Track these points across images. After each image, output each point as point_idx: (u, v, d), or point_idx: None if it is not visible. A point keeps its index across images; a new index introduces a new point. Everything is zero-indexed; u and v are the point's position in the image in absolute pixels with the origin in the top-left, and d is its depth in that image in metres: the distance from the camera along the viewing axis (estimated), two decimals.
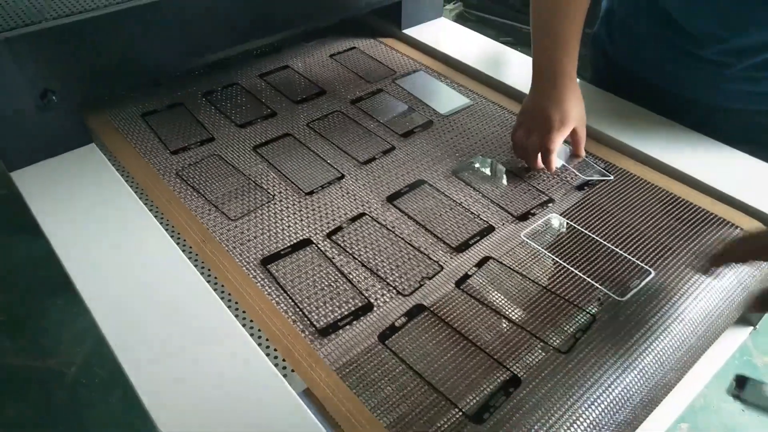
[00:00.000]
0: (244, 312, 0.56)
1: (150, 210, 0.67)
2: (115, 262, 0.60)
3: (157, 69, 0.83)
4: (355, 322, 0.55)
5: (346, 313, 0.56)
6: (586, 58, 0.94)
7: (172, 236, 0.64)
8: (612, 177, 0.73)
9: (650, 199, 0.70)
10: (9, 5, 0.75)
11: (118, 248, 0.62)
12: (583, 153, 0.75)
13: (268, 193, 0.71)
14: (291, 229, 0.66)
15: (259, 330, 0.55)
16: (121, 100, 0.87)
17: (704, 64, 0.75)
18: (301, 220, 0.67)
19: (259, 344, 0.53)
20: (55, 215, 0.67)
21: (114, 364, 0.51)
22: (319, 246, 0.64)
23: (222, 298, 0.57)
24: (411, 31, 1.06)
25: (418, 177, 0.74)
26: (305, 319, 0.56)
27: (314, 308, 0.57)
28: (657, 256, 0.62)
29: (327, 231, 0.66)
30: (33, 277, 1.67)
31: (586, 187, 0.72)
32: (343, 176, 0.74)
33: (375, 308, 0.57)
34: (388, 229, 0.66)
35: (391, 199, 0.70)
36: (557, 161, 0.72)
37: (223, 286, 0.59)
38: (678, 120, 0.80)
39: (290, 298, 0.58)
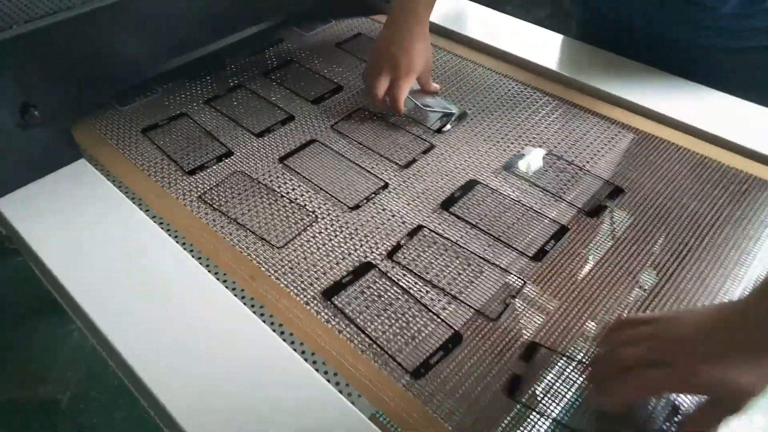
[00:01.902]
0: (313, 354, 0.50)
1: (176, 240, 0.59)
2: (146, 308, 0.53)
3: (144, 70, 0.75)
4: (448, 358, 0.50)
5: (435, 348, 0.50)
6: (567, 12, 0.92)
7: (211, 271, 0.56)
8: (456, 110, 0.76)
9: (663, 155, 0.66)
10: None
11: (150, 294, 0.54)
12: (431, 89, 0.78)
13: (310, 212, 0.64)
14: (345, 252, 0.59)
15: (336, 374, 0.48)
16: (115, 114, 0.77)
17: (695, 3, 0.72)
18: (354, 240, 0.60)
19: (346, 393, 0.47)
20: (57, 245, 0.59)
21: (113, 386, 0.44)
22: (382, 269, 0.57)
23: (286, 341, 0.50)
24: None
25: (468, 177, 0.68)
26: (392, 360, 0.50)
27: (396, 345, 0.51)
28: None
29: (386, 251, 0.59)
30: (10, 300, 1.55)
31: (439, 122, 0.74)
32: (386, 184, 0.67)
33: (465, 339, 0.51)
34: (451, 241, 0.60)
35: (446, 205, 0.64)
36: (409, 103, 0.75)
37: (283, 326, 0.52)
38: (670, 67, 0.79)
39: (367, 335, 0.51)
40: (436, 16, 0.93)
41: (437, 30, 0.92)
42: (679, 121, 0.73)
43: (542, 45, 0.87)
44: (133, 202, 0.64)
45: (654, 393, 0.45)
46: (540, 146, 0.71)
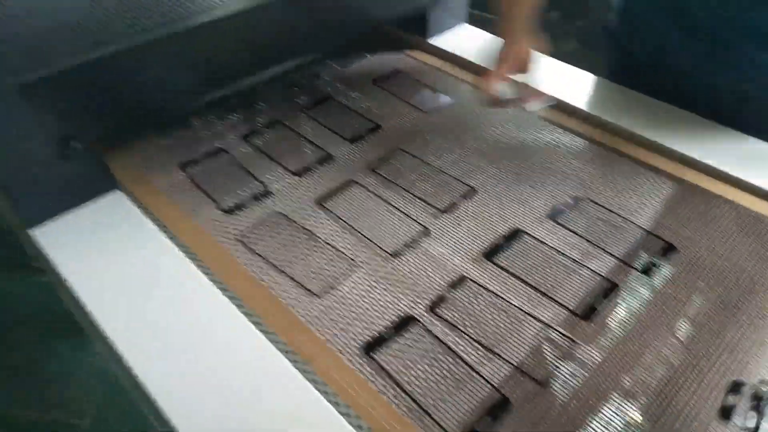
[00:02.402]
0: (348, 408, 0.48)
1: (211, 281, 0.58)
2: (178, 348, 0.51)
3: (181, 103, 0.76)
4: (495, 425, 0.47)
5: (480, 413, 0.48)
6: (598, 54, 0.91)
7: (246, 315, 0.55)
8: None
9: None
10: (16, 41, 0.65)
11: (183, 334, 0.53)
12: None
13: (349, 258, 0.62)
14: (386, 303, 0.57)
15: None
16: (152, 147, 0.77)
17: (734, 51, 0.71)
18: (395, 290, 0.59)
19: None
20: (88, 275, 0.59)
21: (132, 413, 0.43)
22: (424, 323, 0.55)
23: (321, 393, 0.48)
24: (437, 41, 0.99)
25: (511, 224, 0.66)
26: (436, 425, 0.47)
27: (441, 409, 0.48)
28: None
29: (428, 303, 0.57)
30: (32, 322, 1.54)
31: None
32: (427, 230, 0.65)
33: (513, 405, 0.49)
34: (496, 294, 0.58)
35: (489, 255, 0.62)
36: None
37: (319, 379, 0.50)
38: (713, 115, 0.77)
39: (408, 395, 0.49)
40: (469, 52, 0.93)
41: (467, 66, 0.92)
42: (728, 173, 0.70)
43: (576, 85, 0.86)
44: (168, 238, 0.63)
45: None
46: (583, 194, 0.69)
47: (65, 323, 1.45)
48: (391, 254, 0.62)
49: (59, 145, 0.63)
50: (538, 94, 0.73)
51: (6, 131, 0.59)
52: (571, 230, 0.65)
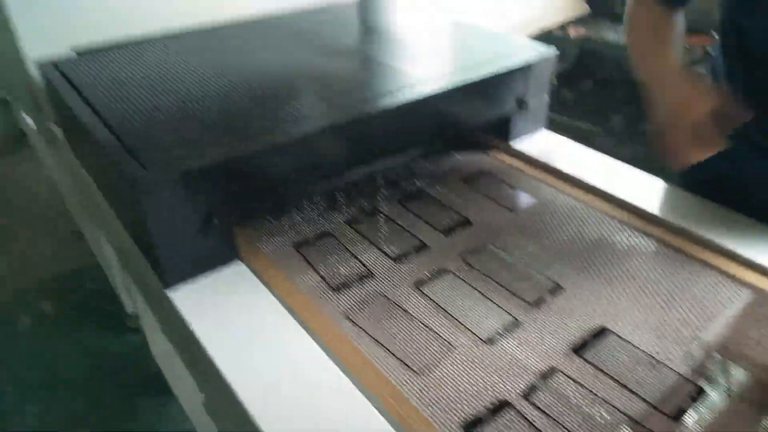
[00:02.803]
0: None
1: (323, 351, 0.65)
2: (293, 403, 0.57)
3: (298, 192, 0.88)
4: None
5: None
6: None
7: (357, 386, 0.61)
8: None
9: None
10: (179, 137, 0.78)
11: (297, 396, 0.59)
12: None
13: (447, 341, 0.68)
14: (482, 386, 0.62)
15: None
16: (270, 227, 0.87)
17: None
18: (490, 374, 0.64)
19: None
20: (220, 337, 0.68)
21: None
22: (519, 409, 0.60)
23: None
24: (519, 144, 1.08)
25: (598, 322, 0.70)
26: None
27: None
28: None
29: (522, 390, 0.62)
30: (123, 375, 1.64)
31: None
32: (517, 321, 0.71)
33: None
34: (587, 389, 0.62)
35: (577, 350, 0.67)
36: None
37: None
38: None
39: None
40: (548, 155, 1.01)
41: (547, 169, 1.00)
42: None
43: (646, 189, 0.93)
44: (283, 307, 0.72)
45: None
46: (662, 297, 0.73)
47: (152, 381, 1.54)
48: (484, 340, 0.68)
49: (203, 221, 0.75)
50: None
51: (165, 208, 0.70)
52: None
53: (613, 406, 0.60)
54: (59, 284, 1.89)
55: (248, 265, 0.80)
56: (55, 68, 1.01)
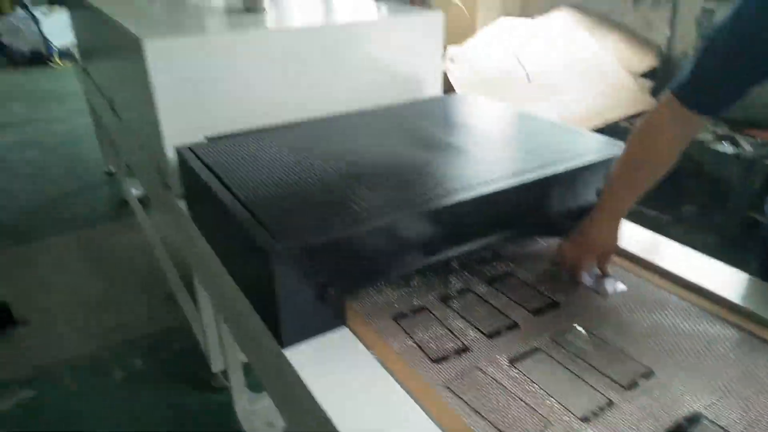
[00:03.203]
0: None
1: (429, 418, 0.71)
2: None
3: (400, 269, 0.95)
4: None
5: None
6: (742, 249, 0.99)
7: None
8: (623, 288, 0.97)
9: None
10: (301, 218, 0.90)
11: None
12: (606, 269, 1.00)
13: (543, 416, 0.72)
14: None
15: None
16: (374, 298, 0.96)
17: None
18: None
19: None
20: (331, 392, 0.76)
21: None
22: None
23: None
24: None
25: (690, 408, 0.73)
26: None
27: None
28: None
29: None
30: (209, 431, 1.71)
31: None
32: (612, 402, 0.74)
33: None
34: None
35: None
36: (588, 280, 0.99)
37: None
38: None
39: None
40: (633, 247, 1.06)
41: (632, 259, 1.05)
42: None
43: (729, 281, 0.96)
44: (386, 372, 0.79)
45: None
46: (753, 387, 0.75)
47: None
48: (581, 418, 0.72)
49: (320, 290, 0.84)
50: (610, 281, 0.97)
51: (289, 276, 0.81)
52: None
53: None
54: (150, 342, 2.03)
55: (354, 332, 0.88)
56: (191, 151, 1.18)
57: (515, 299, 0.96)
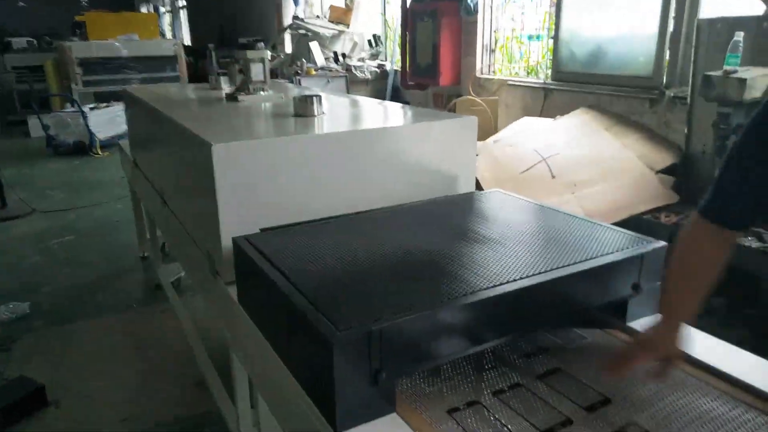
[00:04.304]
0: None
1: None
2: None
3: (449, 359, 0.99)
4: None
5: None
6: None
7: None
8: None
9: None
10: (353, 296, 0.94)
11: None
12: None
13: None
14: None
15: None
16: (427, 395, 0.97)
17: None
18: None
19: None
20: None
21: None
22: None
23: None
24: (635, 324, 1.16)
25: None
26: None
27: None
28: None
29: None
30: None
31: None
32: None
33: None
34: None
35: None
36: None
37: None
38: None
39: None
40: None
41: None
42: None
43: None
44: None
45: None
46: None
47: None
48: None
49: (373, 375, 0.87)
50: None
51: (347, 361, 0.84)
52: None
53: None
54: (180, 427, 2.01)
55: (406, 421, 0.89)
56: (247, 241, 1.25)
57: (567, 395, 0.97)
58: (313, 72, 6.48)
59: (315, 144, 1.47)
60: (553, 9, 4.32)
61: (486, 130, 4.06)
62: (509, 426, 0.89)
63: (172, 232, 2.09)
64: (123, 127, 2.84)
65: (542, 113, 4.25)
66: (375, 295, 0.98)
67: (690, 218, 0.97)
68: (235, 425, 1.73)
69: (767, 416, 0.90)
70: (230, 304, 1.36)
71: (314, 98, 1.73)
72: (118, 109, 6.52)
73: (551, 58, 4.35)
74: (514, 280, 1.02)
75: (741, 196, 0.90)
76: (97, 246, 3.79)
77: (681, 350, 0.98)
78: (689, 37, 3.25)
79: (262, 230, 1.34)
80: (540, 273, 1.05)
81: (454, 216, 1.40)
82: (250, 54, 2.01)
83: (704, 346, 1.08)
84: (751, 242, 2.70)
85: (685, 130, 3.26)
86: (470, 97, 4.91)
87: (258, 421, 1.53)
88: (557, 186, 3.14)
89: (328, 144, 1.47)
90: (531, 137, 3.57)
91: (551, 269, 1.06)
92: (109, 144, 6.34)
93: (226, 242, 1.35)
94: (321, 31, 7.10)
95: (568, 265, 1.08)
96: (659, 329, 0.99)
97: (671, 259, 0.99)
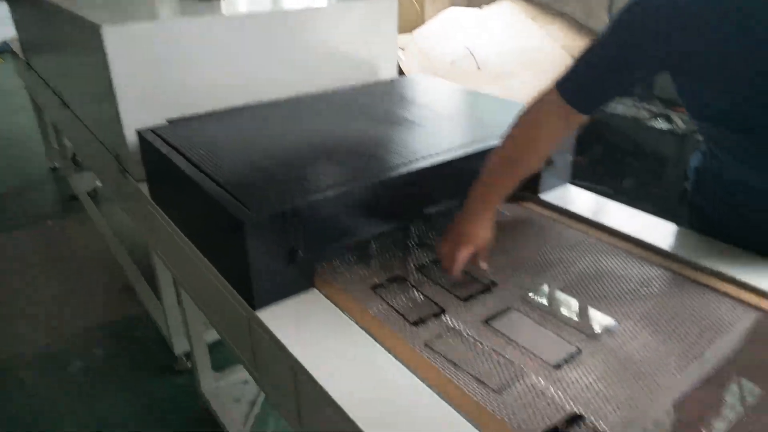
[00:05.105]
0: None
1: (411, 372, 0.74)
2: (397, 416, 0.65)
3: (365, 234, 0.99)
4: None
5: None
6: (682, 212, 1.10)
7: (442, 399, 0.70)
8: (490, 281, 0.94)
9: None
10: (262, 181, 0.91)
11: (393, 398, 0.68)
12: (483, 264, 0.95)
13: (518, 366, 0.77)
14: (556, 402, 0.70)
15: None
16: (351, 277, 0.98)
17: None
18: (565, 392, 0.72)
19: None
20: (306, 348, 0.79)
21: None
22: (591, 421, 0.68)
23: None
24: (546, 196, 1.21)
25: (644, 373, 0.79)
26: None
27: None
28: None
29: (598, 408, 0.70)
30: (170, 414, 1.69)
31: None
32: (580, 350, 0.80)
33: None
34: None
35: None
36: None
37: None
38: None
39: None
40: (574, 206, 1.13)
41: (572, 216, 1.13)
42: None
43: (662, 232, 1.05)
44: (361, 329, 0.82)
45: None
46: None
47: (201, 419, 1.61)
48: (553, 366, 0.77)
49: (289, 253, 0.87)
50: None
51: (262, 242, 0.83)
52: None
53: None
54: (110, 331, 1.98)
55: (324, 293, 0.91)
56: (154, 133, 1.16)
57: (489, 264, 1.00)
58: None
59: (223, 26, 1.35)
60: None
61: (413, 23, 3.92)
62: (437, 300, 0.91)
63: (77, 136, 1.94)
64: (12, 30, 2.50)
65: (469, 2, 4.13)
66: (290, 178, 0.96)
67: (543, 92, 0.94)
68: (164, 324, 1.72)
69: (658, 267, 0.97)
70: (144, 203, 1.29)
71: None
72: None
73: None
74: (431, 156, 1.02)
75: (596, 83, 0.90)
76: (0, 161, 3.48)
77: (491, 238, 0.96)
78: None
79: (170, 121, 1.25)
80: (455, 149, 1.05)
81: (374, 101, 1.36)
82: None
83: (607, 210, 1.15)
84: (661, 124, 2.83)
85: (606, 18, 3.28)
86: None
87: (185, 317, 1.52)
88: (483, 77, 3.12)
89: (238, 26, 1.36)
90: (458, 29, 3.48)
91: (466, 145, 1.06)
92: (1, 50, 5.65)
93: (131, 137, 1.25)
94: None
95: (483, 140, 1.08)
96: (468, 217, 0.94)
97: (506, 134, 0.95)
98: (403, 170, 0.98)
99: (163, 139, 1.12)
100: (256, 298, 0.86)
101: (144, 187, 1.28)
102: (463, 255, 0.93)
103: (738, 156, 0.92)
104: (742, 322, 0.85)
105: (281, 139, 1.12)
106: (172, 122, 1.24)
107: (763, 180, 0.90)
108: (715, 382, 0.74)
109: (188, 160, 1.03)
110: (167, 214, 1.17)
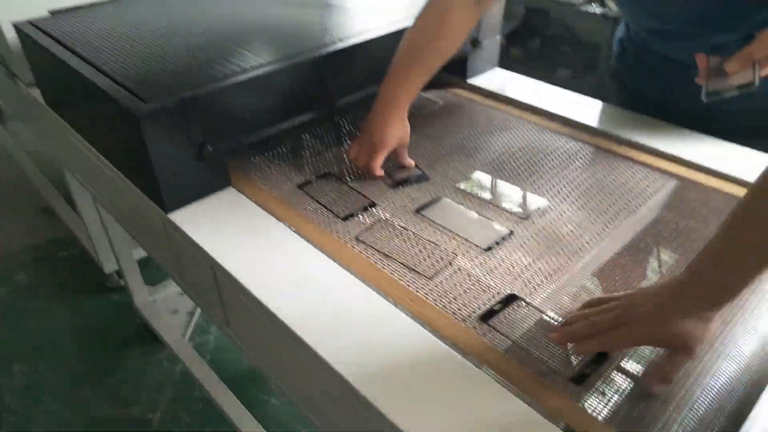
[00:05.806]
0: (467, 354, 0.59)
1: (340, 266, 0.72)
2: (327, 313, 0.63)
3: (281, 129, 0.92)
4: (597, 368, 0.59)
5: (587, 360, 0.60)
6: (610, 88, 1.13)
7: (376, 292, 0.68)
8: (425, 175, 0.90)
9: None
10: (159, 73, 0.84)
11: (322, 295, 0.65)
12: (405, 162, 0.90)
13: (450, 251, 0.75)
14: (490, 284, 0.70)
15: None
16: (262, 161, 0.92)
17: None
18: (494, 274, 0.71)
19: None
20: (222, 246, 0.75)
21: (199, 409, 0.53)
22: (524, 298, 0.68)
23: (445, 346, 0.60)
24: (475, 81, 1.17)
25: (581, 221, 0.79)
26: (550, 372, 0.59)
27: (549, 356, 0.60)
28: None
29: (525, 283, 0.70)
30: (107, 332, 1.66)
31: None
32: (511, 232, 0.79)
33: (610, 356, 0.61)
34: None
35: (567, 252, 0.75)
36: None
37: (442, 337, 0.62)
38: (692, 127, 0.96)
39: (522, 348, 0.61)
40: (501, 89, 1.09)
41: (500, 99, 1.11)
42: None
43: (588, 108, 1.05)
44: (286, 227, 0.78)
45: (616, 348, 0.59)
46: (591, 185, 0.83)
47: (137, 334, 1.59)
48: (484, 249, 0.76)
49: (197, 148, 0.79)
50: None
51: (163, 136, 0.75)
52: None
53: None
54: (33, 255, 1.87)
55: (242, 192, 0.85)
56: (33, 26, 1.01)
57: (417, 154, 0.96)
58: None
59: None
60: None
61: None
62: (366, 193, 0.87)
63: None
64: None
65: None
66: (191, 67, 0.86)
67: None
68: (89, 242, 1.63)
69: (584, 144, 0.96)
70: (38, 109, 1.15)
71: None
72: None
73: None
74: (344, 39, 0.94)
75: None
76: None
77: (408, 135, 0.90)
78: None
79: (52, 13, 1.08)
80: (371, 30, 0.97)
81: None
82: None
83: (536, 91, 1.13)
84: (594, 8, 2.77)
85: None
86: None
87: (108, 233, 1.44)
88: None
89: None
90: None
91: (381, 27, 0.98)
92: None
93: (10, 33, 1.09)
94: None
95: (400, 21, 1.00)
96: (380, 117, 0.87)
97: (414, 22, 0.88)
98: (315, 53, 0.90)
99: (45, 32, 0.98)
100: (167, 200, 0.79)
101: (37, 93, 1.14)
102: (378, 161, 0.87)
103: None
104: (662, 191, 0.86)
105: (182, 27, 1.00)
106: (55, 13, 1.08)
107: (687, 55, 0.87)
108: (635, 249, 0.75)
109: (75, 53, 0.90)
110: (66, 120, 1.05)
